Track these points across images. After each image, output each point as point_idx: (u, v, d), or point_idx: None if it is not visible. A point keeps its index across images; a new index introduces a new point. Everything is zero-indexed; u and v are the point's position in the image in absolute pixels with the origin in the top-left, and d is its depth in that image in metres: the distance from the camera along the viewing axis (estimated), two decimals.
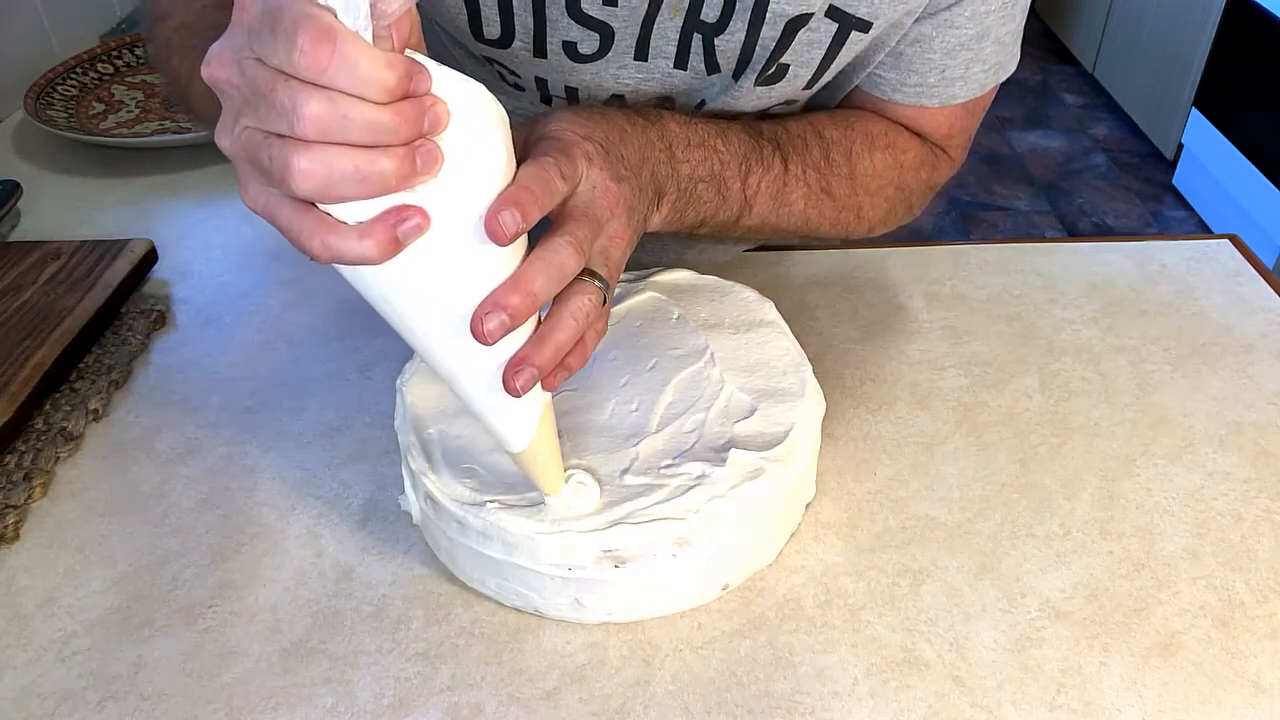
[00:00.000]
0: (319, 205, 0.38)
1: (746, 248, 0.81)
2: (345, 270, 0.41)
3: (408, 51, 0.36)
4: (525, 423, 0.47)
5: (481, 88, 0.39)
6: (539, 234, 0.44)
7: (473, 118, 0.39)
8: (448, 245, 0.40)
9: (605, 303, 0.47)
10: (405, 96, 0.36)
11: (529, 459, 0.49)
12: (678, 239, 0.75)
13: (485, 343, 0.41)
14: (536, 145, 0.47)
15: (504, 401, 0.45)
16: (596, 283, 0.46)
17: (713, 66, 0.60)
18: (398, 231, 0.38)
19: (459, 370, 0.45)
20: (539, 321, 0.45)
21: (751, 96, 0.62)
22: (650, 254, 0.78)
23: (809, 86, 0.63)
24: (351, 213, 0.37)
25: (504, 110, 0.41)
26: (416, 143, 0.37)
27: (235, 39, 0.36)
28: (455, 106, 0.38)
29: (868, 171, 0.66)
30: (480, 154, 0.40)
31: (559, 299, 0.45)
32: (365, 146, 0.35)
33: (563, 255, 0.44)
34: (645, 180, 0.53)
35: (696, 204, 0.58)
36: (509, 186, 0.41)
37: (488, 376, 0.44)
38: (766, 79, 0.61)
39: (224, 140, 0.38)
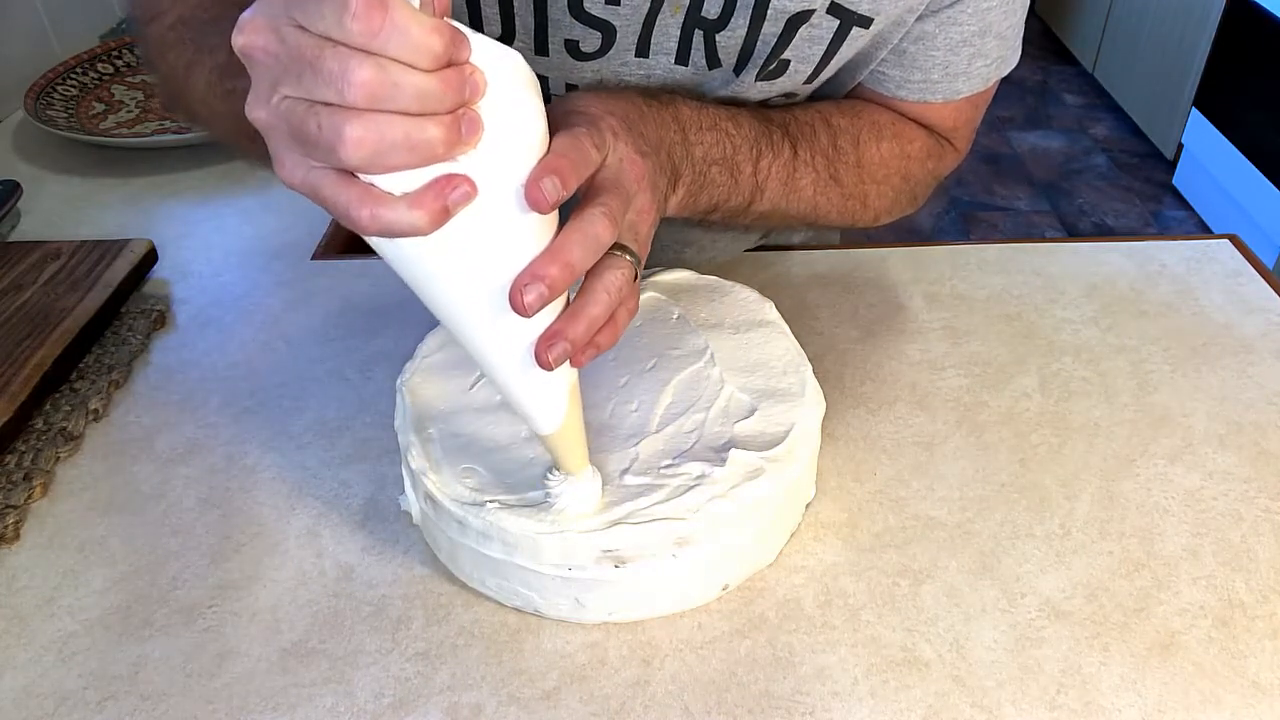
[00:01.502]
0: (361, 176, 0.37)
1: (750, 246, 0.81)
2: (385, 245, 0.40)
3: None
4: (556, 403, 0.47)
5: (517, 54, 0.39)
6: (566, 212, 0.44)
7: (510, 84, 0.38)
8: (488, 215, 0.39)
9: (636, 278, 0.46)
10: (449, 64, 0.35)
11: (558, 440, 0.48)
12: (678, 236, 0.75)
13: (524, 314, 0.41)
14: (563, 120, 0.47)
15: (536, 380, 0.45)
16: (628, 257, 0.46)
17: (714, 62, 0.60)
18: (447, 200, 0.37)
19: (493, 347, 0.44)
20: (568, 301, 0.45)
21: (753, 91, 0.63)
22: (650, 254, 0.78)
23: (809, 81, 0.64)
24: (393, 183, 0.37)
25: (536, 77, 0.41)
26: (460, 110, 0.36)
27: (271, 6, 0.36)
28: (492, 74, 0.37)
29: (874, 160, 0.66)
30: (518, 121, 0.39)
31: (591, 273, 0.44)
32: (414, 115, 0.35)
33: (598, 225, 0.43)
34: (664, 159, 0.53)
35: (710, 187, 0.58)
36: (546, 155, 0.41)
37: (521, 353, 0.44)
38: (768, 74, 0.61)
39: (258, 112, 0.37)
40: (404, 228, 0.37)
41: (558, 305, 0.44)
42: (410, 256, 0.40)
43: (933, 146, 0.70)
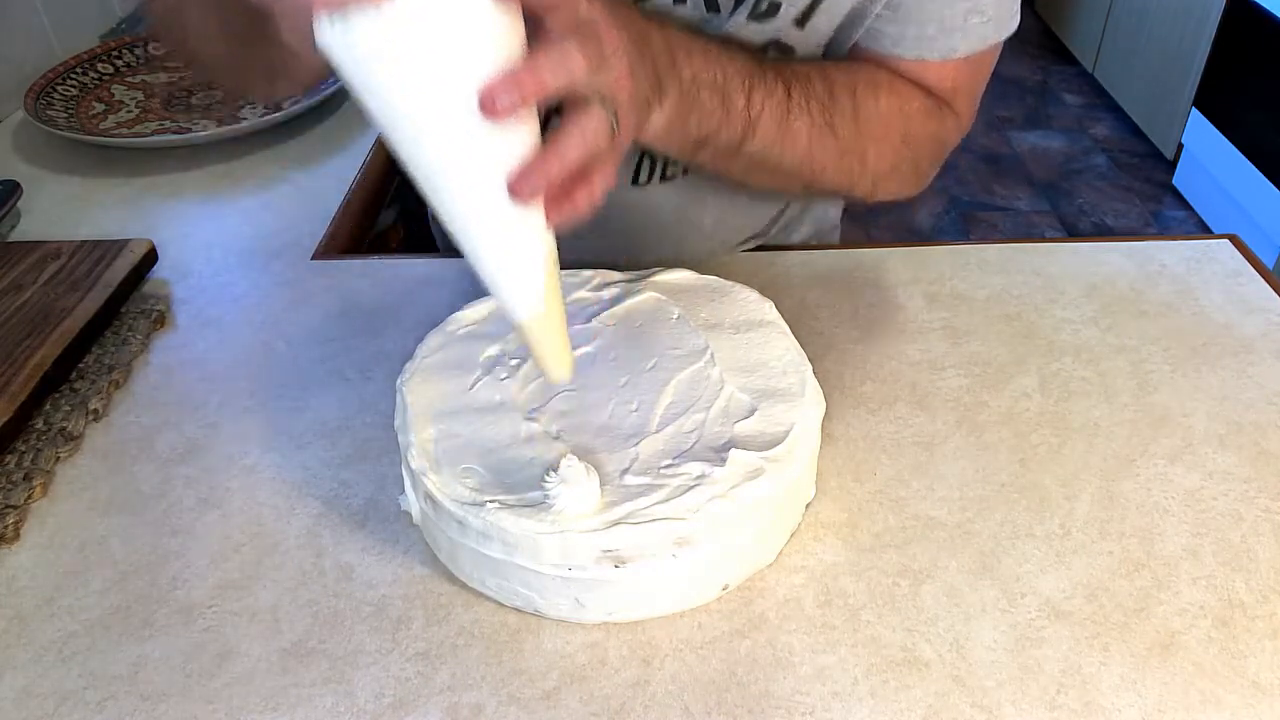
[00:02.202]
0: None
1: (754, 233, 0.81)
2: (345, 54, 0.40)
3: None
4: (532, 280, 0.45)
5: None
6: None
7: None
8: (454, 20, 0.39)
9: (613, 137, 0.45)
10: None
11: (537, 331, 0.47)
12: (682, 215, 0.74)
13: (493, 116, 0.40)
14: None
15: (511, 250, 0.44)
16: (604, 108, 0.45)
17: (712, 6, 0.61)
18: None
19: (466, 202, 0.43)
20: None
21: (745, 31, 0.62)
22: (653, 243, 0.78)
23: (801, 24, 0.63)
24: None
25: None
26: None
27: None
28: None
29: (872, 115, 0.65)
30: None
31: (566, 117, 0.44)
32: None
33: (570, 56, 0.42)
34: (649, 64, 0.51)
35: (700, 111, 0.56)
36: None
37: (493, 208, 0.43)
38: (758, 14, 0.62)
39: None
40: None
41: (525, 141, 0.43)
42: (382, 81, 0.40)
43: (931, 107, 0.68)
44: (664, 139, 0.56)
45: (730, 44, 0.60)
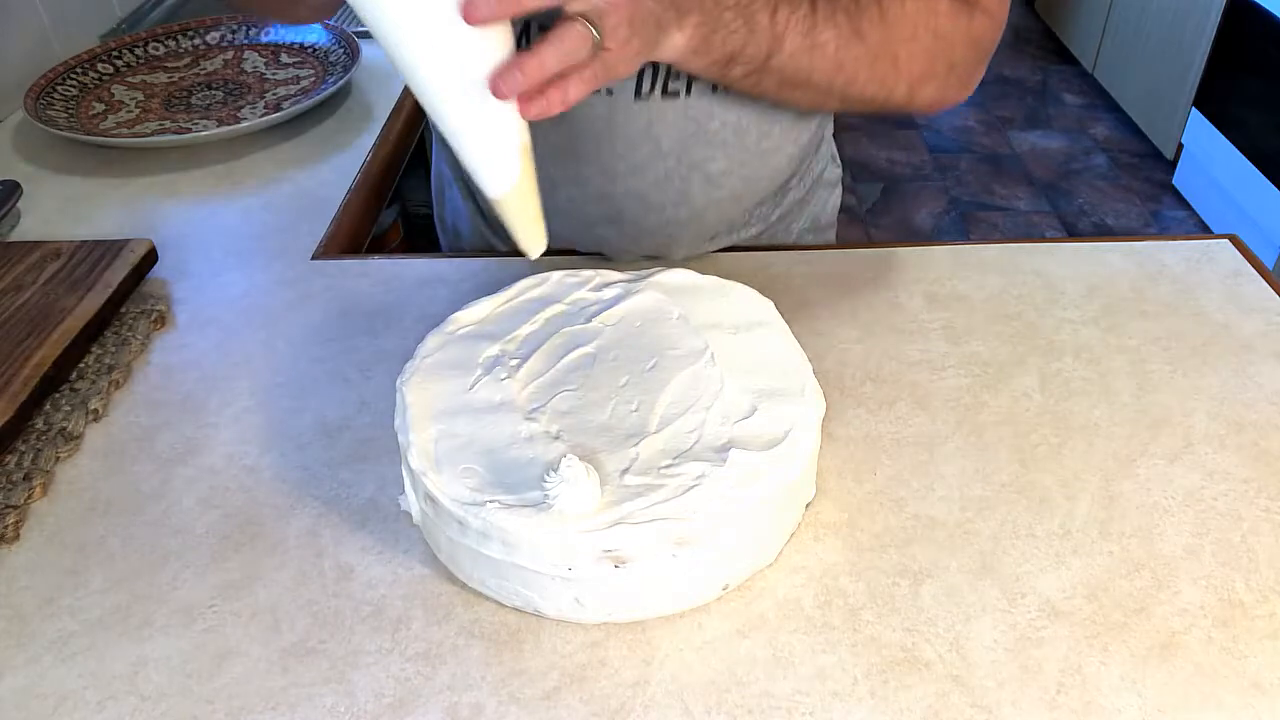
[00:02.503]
0: None
1: (748, 216, 0.81)
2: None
3: None
4: (507, 161, 0.52)
5: None
6: None
7: None
8: None
9: (594, 49, 0.51)
10: None
11: (512, 206, 0.52)
12: (695, 151, 0.76)
13: (472, 22, 0.47)
14: None
15: (487, 136, 0.51)
16: (591, 30, 0.51)
17: None
18: None
19: (448, 95, 0.50)
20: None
21: None
22: (649, 244, 0.79)
23: None
24: None
25: None
26: None
27: None
28: None
29: (900, 16, 0.66)
30: None
31: (550, 30, 0.50)
32: None
33: None
34: None
35: (724, 32, 0.59)
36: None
37: (471, 89, 0.50)
38: None
39: None
40: None
41: (500, 41, 0.50)
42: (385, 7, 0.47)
43: (959, 6, 0.68)
44: (688, 58, 0.60)
45: None
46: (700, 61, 0.60)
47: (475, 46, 0.50)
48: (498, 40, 0.51)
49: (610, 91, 0.70)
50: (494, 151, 0.52)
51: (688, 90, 0.71)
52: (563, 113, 0.52)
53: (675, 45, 0.58)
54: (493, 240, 0.88)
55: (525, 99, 0.51)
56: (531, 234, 0.54)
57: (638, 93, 0.71)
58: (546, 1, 0.50)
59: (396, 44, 0.49)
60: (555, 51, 0.50)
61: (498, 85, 0.49)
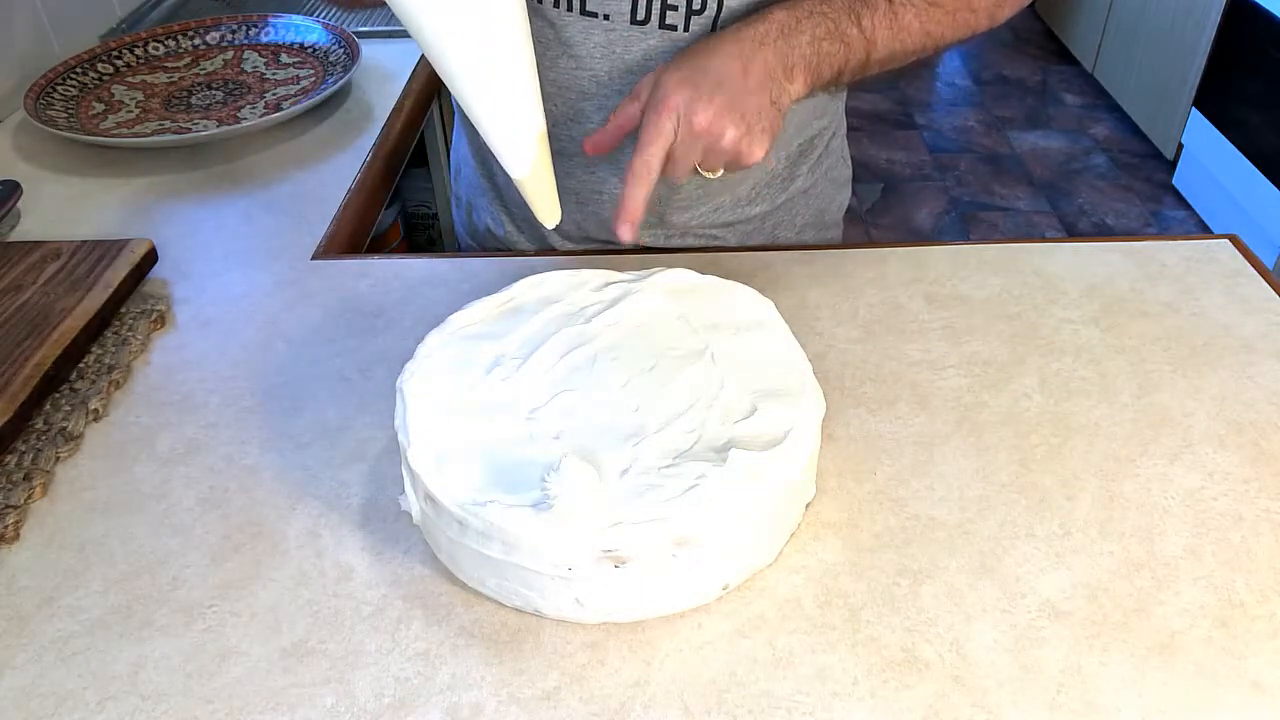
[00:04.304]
0: None
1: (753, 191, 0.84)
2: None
3: None
4: (527, 143, 0.60)
5: None
6: None
7: None
8: None
9: (685, 168, 0.63)
10: None
11: (530, 184, 0.61)
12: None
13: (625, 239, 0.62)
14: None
15: (508, 118, 0.59)
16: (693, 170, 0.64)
17: None
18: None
19: (477, 91, 0.58)
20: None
21: None
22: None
23: None
24: None
25: None
26: None
27: None
28: None
29: None
30: None
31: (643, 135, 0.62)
32: None
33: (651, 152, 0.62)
34: (759, 67, 0.64)
35: (829, 60, 0.67)
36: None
37: (493, 92, 0.58)
38: None
39: None
40: None
41: (524, 43, 0.59)
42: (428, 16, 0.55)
43: None
44: (806, 93, 0.67)
45: None
46: (819, 88, 0.68)
47: (500, 45, 0.57)
48: (521, 37, 0.58)
49: (608, 17, 0.73)
50: (515, 139, 0.59)
51: (685, 26, 0.73)
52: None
53: (794, 93, 0.66)
54: (502, 216, 0.91)
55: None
56: (548, 208, 0.63)
57: (633, 18, 0.73)
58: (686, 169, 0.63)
59: (428, 42, 0.56)
60: (643, 170, 0.62)
61: (619, 230, 0.63)
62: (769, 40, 0.65)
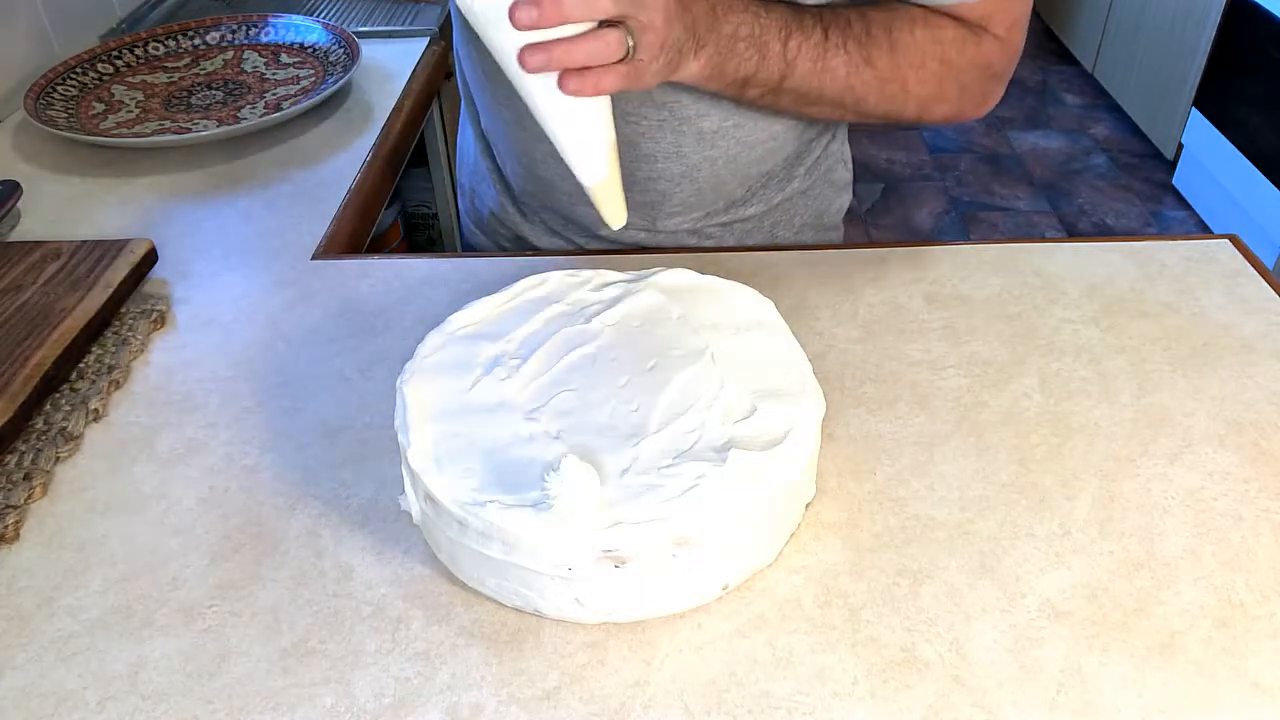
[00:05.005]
0: None
1: (754, 180, 0.83)
2: (479, 12, 0.55)
3: None
4: (599, 155, 0.61)
5: None
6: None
7: None
8: None
9: (626, 57, 0.57)
10: None
11: (599, 192, 0.62)
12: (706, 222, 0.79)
13: (517, 23, 0.54)
14: None
15: (575, 130, 0.60)
16: (626, 36, 0.57)
17: None
18: None
19: (539, 101, 0.59)
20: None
21: None
22: (640, 197, 0.81)
23: None
24: None
25: None
26: None
27: None
28: None
29: (908, 45, 0.71)
30: None
31: (592, 29, 0.56)
32: None
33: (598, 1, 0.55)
34: (688, 21, 0.61)
35: (736, 60, 0.65)
36: None
37: (555, 104, 0.59)
38: None
39: None
40: None
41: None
42: (486, 10, 0.55)
43: (967, 34, 0.73)
44: (702, 82, 0.66)
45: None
46: (715, 84, 0.67)
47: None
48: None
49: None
50: (589, 150, 0.61)
51: None
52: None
53: (691, 71, 0.64)
54: (504, 200, 0.91)
55: (565, 77, 0.56)
56: (615, 212, 0.64)
57: None
58: (585, 12, 0.55)
59: (505, 56, 0.57)
60: (589, 45, 0.56)
61: (524, 58, 0.55)
62: (696, 1, 0.62)
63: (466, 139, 0.97)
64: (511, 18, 0.54)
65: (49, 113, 1.02)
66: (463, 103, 0.95)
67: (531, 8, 0.53)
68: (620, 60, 0.58)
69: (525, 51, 0.55)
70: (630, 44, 0.58)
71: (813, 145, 0.86)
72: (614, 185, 0.63)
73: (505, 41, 0.56)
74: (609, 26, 0.57)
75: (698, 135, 0.78)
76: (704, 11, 0.63)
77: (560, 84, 0.57)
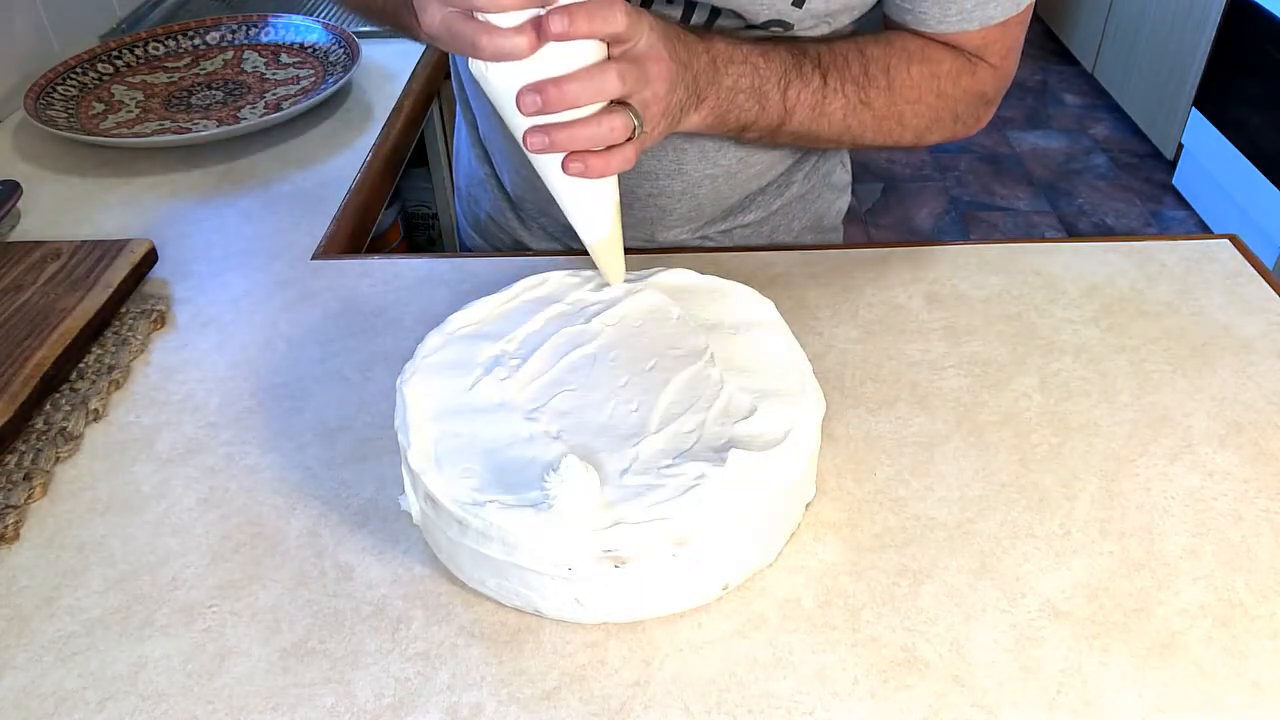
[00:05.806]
0: (479, 17, 0.51)
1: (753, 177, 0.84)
2: (488, 76, 0.54)
3: None
4: (603, 216, 0.60)
5: None
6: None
7: None
8: (549, 58, 0.53)
9: (634, 136, 0.56)
10: None
11: (600, 250, 0.61)
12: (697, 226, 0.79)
13: (521, 111, 0.53)
14: None
15: (584, 200, 0.59)
16: (632, 114, 0.56)
17: None
18: (543, 31, 0.51)
19: (553, 172, 0.57)
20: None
21: (747, 6, 0.68)
22: (640, 213, 0.81)
23: (797, 4, 0.68)
24: (503, 21, 0.51)
25: None
26: None
27: None
28: None
29: (905, 83, 0.72)
30: None
31: (597, 113, 0.55)
32: None
33: (607, 74, 0.54)
34: (689, 79, 0.61)
35: (737, 111, 0.66)
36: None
37: (561, 178, 0.57)
38: None
39: None
40: (509, 50, 0.51)
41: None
42: (497, 87, 0.54)
43: (963, 65, 0.73)
44: (702, 131, 0.67)
45: (773, 43, 0.68)
46: (716, 132, 0.68)
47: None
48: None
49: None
50: (593, 211, 0.60)
51: None
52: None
53: (692, 123, 0.65)
54: (503, 205, 0.91)
55: (568, 159, 0.55)
56: (615, 270, 0.63)
57: None
58: (594, 96, 0.54)
59: (515, 132, 0.56)
60: (592, 131, 0.55)
61: (527, 137, 0.55)
62: (697, 58, 0.62)
63: (463, 143, 0.97)
64: (517, 104, 0.53)
65: (49, 113, 1.02)
66: (459, 107, 0.95)
67: (535, 95, 0.52)
68: (626, 139, 0.57)
69: (528, 132, 0.54)
70: (637, 124, 0.57)
71: (811, 151, 0.86)
72: (615, 243, 0.62)
73: (515, 116, 0.55)
74: (615, 105, 0.56)
75: (700, 153, 0.78)
76: (705, 66, 0.63)
77: (563, 166, 0.56)
